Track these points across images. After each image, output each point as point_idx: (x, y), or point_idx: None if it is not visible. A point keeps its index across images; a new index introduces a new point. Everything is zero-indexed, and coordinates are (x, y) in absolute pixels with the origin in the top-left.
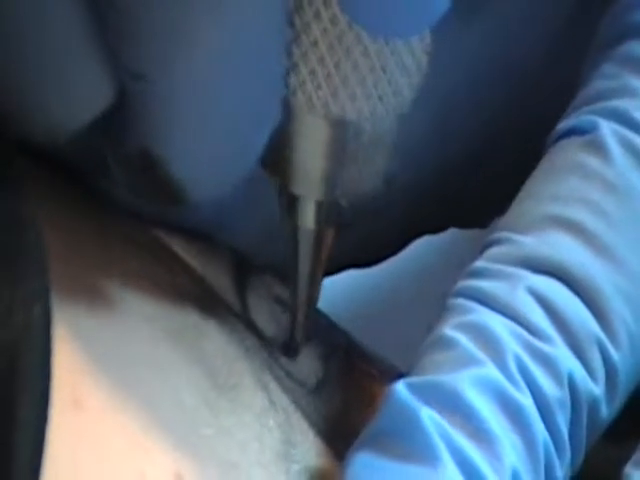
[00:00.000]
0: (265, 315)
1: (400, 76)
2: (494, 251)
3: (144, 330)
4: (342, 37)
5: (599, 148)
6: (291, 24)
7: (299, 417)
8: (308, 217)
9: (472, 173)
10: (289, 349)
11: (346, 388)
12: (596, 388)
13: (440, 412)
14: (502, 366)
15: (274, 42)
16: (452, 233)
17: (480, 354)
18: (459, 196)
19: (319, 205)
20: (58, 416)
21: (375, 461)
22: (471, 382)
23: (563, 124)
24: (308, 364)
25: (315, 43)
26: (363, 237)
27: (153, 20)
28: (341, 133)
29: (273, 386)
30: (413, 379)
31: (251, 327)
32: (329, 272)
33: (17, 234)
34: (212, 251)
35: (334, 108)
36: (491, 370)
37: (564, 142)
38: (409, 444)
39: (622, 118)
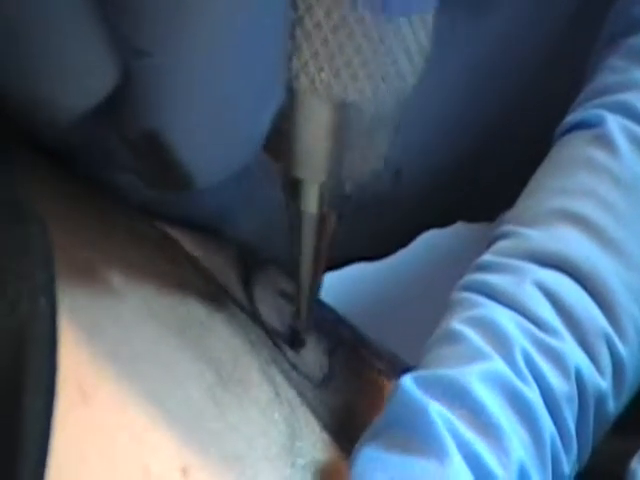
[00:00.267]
0: (270, 309)
1: (403, 58)
2: (501, 245)
3: (149, 324)
4: (345, 19)
5: (606, 142)
6: (294, 6)
7: (305, 411)
8: (311, 201)
9: (482, 168)
10: (295, 340)
11: (352, 382)
12: (603, 382)
13: (448, 406)
14: (510, 360)
15: (277, 23)
16: (458, 227)
17: (488, 348)
18: (468, 190)
19: (322, 189)
20: (64, 409)
21: (382, 455)
22: (479, 376)
23: (570, 118)
24: (314, 358)
25: (318, 25)
26: (372, 231)
27: None
28: (344, 115)
29: (279, 379)
30: (421, 373)
31: (256, 320)
32: (337, 265)
33: (22, 226)
34: (217, 245)
35: (336, 90)
36: (499, 364)
37: (571, 136)
38: (416, 438)
39: (629, 112)
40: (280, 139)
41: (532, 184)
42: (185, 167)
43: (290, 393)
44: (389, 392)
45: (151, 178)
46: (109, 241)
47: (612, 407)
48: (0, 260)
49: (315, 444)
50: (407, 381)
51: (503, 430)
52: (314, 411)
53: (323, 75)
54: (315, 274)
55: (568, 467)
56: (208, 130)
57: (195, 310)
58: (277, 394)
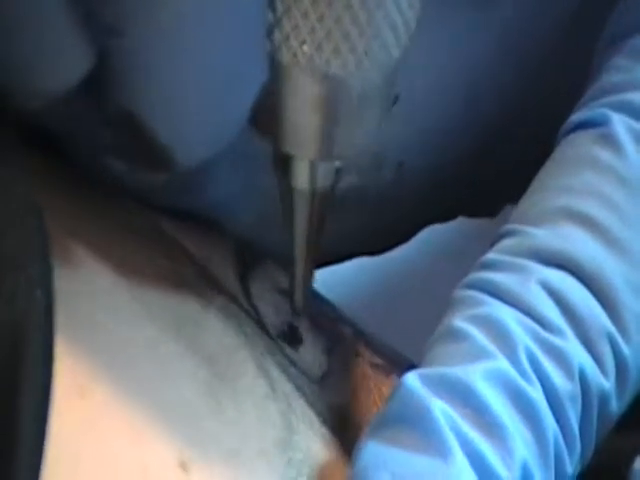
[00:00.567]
0: (268, 305)
1: (387, 32)
2: (506, 243)
3: (145, 320)
4: None
5: (612, 142)
6: None
7: (303, 405)
8: (302, 177)
9: (483, 164)
10: (292, 337)
11: (352, 378)
12: (606, 382)
13: (451, 404)
14: (513, 359)
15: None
16: (459, 221)
17: (492, 347)
18: (469, 186)
19: (312, 165)
20: (61, 406)
21: (385, 451)
22: (483, 375)
23: (575, 116)
24: (312, 355)
25: None
26: (373, 225)
27: None
28: (328, 89)
29: (275, 374)
30: (425, 370)
31: (253, 315)
32: (338, 260)
33: (19, 218)
34: (214, 240)
35: (318, 63)
36: (502, 363)
37: (576, 135)
38: (420, 435)
39: (635, 111)
40: (267, 114)
41: (536, 182)
42: (165, 146)
43: (287, 387)
44: (388, 389)
45: (133, 159)
46: (106, 237)
47: (615, 406)
48: None
49: (313, 438)
50: (411, 378)
51: (506, 429)
52: (312, 405)
53: (305, 48)
54: (309, 252)
55: (571, 466)
56: (187, 108)
57: (191, 306)
58: (273, 389)
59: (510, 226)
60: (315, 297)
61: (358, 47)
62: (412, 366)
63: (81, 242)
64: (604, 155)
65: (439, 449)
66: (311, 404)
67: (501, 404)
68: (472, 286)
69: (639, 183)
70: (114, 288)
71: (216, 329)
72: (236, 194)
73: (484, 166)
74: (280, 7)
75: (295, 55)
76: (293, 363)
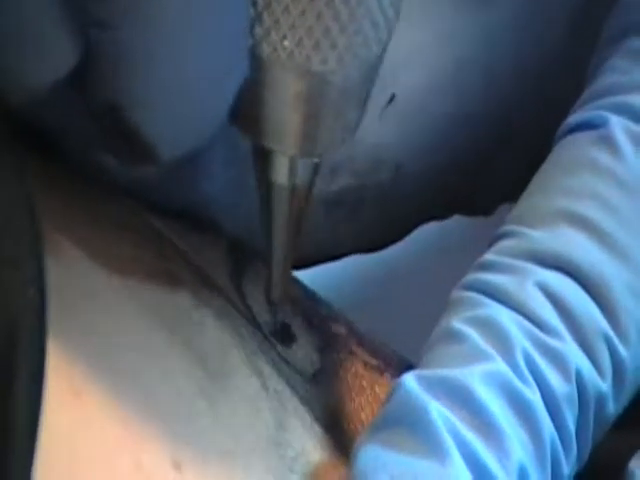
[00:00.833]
0: (260, 303)
1: (368, 28)
2: (504, 244)
3: (138, 318)
4: None
5: (610, 144)
6: None
7: (296, 403)
8: (281, 173)
9: (481, 162)
10: (285, 335)
11: (345, 377)
12: (603, 384)
13: (449, 406)
14: (511, 361)
15: None
16: (455, 220)
17: (489, 349)
18: (467, 185)
19: (292, 160)
20: (55, 405)
21: (383, 454)
22: (480, 377)
23: (573, 118)
24: (305, 354)
25: None
26: (370, 224)
27: None
28: (308, 85)
29: (267, 372)
30: (422, 372)
31: (246, 314)
32: (334, 257)
33: (12, 217)
34: (207, 239)
35: (299, 58)
36: (500, 365)
37: (574, 137)
38: (417, 438)
39: (633, 113)
40: (247, 109)
41: (534, 184)
42: (147, 139)
43: (280, 386)
44: (382, 388)
45: (118, 153)
46: (99, 235)
47: (612, 408)
48: None
49: (305, 436)
50: (409, 380)
51: (503, 431)
52: (306, 404)
53: (286, 43)
54: (287, 248)
55: (568, 468)
56: (169, 102)
57: (184, 305)
58: (265, 387)
59: (508, 227)
60: (309, 295)
61: (339, 43)
62: (409, 366)
63: (74, 240)
64: (602, 157)
65: (437, 451)
66: (304, 402)
67: (498, 406)
68: (470, 287)
69: (637, 185)
70: (107, 287)
71: (209, 328)
72: (230, 191)
73: (480, 165)
74: (261, 1)
75: (276, 50)
76: (286, 362)
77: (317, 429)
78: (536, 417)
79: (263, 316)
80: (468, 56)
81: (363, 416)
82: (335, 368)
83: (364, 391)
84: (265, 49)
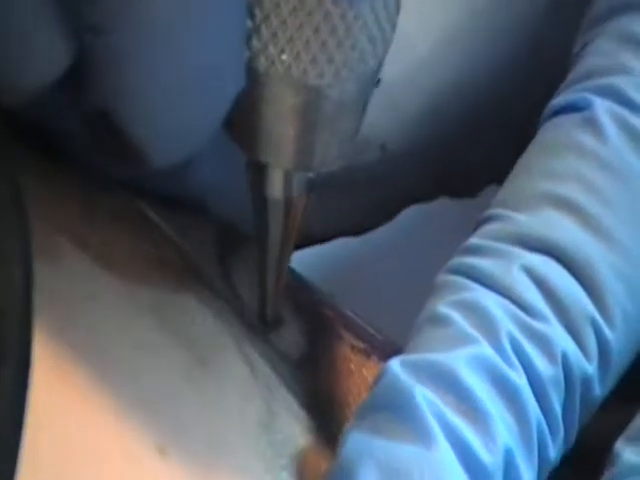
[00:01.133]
0: (249, 289)
1: (365, 43)
2: (489, 228)
3: (126, 304)
4: (304, 0)
5: (594, 126)
6: None
7: (282, 389)
8: (276, 186)
9: (467, 145)
10: (272, 320)
11: (333, 360)
12: (590, 367)
13: (434, 391)
14: (496, 345)
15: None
16: (440, 202)
17: (474, 333)
18: (453, 166)
19: (287, 174)
20: (42, 392)
21: (369, 439)
22: (465, 361)
23: (557, 100)
24: (292, 338)
25: (277, 5)
26: (356, 206)
27: None
28: (305, 99)
29: (255, 358)
30: (407, 357)
31: (234, 300)
32: (320, 241)
33: None
34: (195, 225)
35: (296, 72)
36: (485, 349)
37: (559, 119)
38: (403, 423)
39: (617, 96)
40: (243, 122)
41: (519, 167)
42: (140, 146)
43: (266, 372)
44: (369, 370)
45: (109, 155)
46: (87, 220)
47: (598, 391)
48: None
49: (292, 421)
50: (394, 365)
51: (489, 415)
52: (292, 390)
53: (284, 57)
54: (281, 261)
55: (554, 451)
56: (160, 109)
57: (172, 290)
58: (253, 373)
59: (493, 211)
60: (297, 279)
61: (336, 58)
62: (396, 350)
63: (61, 224)
64: (586, 140)
65: (422, 436)
66: (291, 387)
67: (484, 390)
68: (455, 271)
69: (621, 168)
70: (95, 272)
71: (197, 313)
72: (221, 176)
73: (466, 147)
74: (259, 14)
75: (273, 63)
76: (273, 346)
77: (303, 415)
78: (522, 400)
79: (250, 301)
80: (453, 36)
81: (351, 400)
82: (323, 352)
83: (352, 375)
84: (262, 62)
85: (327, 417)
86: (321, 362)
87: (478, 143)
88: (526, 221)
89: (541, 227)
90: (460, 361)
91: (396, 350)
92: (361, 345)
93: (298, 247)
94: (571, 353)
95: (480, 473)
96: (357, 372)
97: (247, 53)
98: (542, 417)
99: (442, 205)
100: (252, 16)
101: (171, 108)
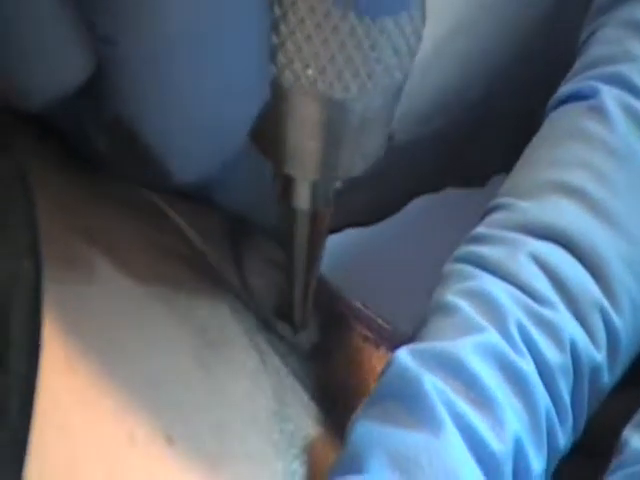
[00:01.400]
0: (259, 277)
1: (390, 55)
2: (495, 217)
3: (134, 291)
4: (329, 15)
5: (600, 114)
6: (279, 2)
7: (292, 380)
8: (303, 198)
9: (474, 134)
10: (282, 310)
11: (342, 351)
12: (598, 354)
13: (443, 379)
14: (504, 332)
15: (256, 15)
16: (448, 192)
17: (482, 321)
18: (460, 156)
19: (313, 186)
20: (50, 377)
21: (377, 428)
22: (473, 349)
23: (564, 89)
24: (303, 330)
25: (302, 21)
26: (366, 197)
27: None
28: (330, 113)
29: (265, 348)
30: (416, 346)
31: (244, 289)
32: (330, 231)
33: (4, 187)
34: (205, 212)
35: (322, 87)
36: (493, 336)
37: (565, 107)
38: (412, 411)
39: (624, 83)
40: (269, 136)
41: (526, 156)
42: (161, 162)
43: (276, 361)
44: (378, 360)
45: (128, 168)
46: (95, 209)
47: (607, 378)
48: None
49: (303, 411)
50: (402, 354)
51: (498, 402)
52: (301, 381)
53: (309, 72)
54: (309, 269)
55: (563, 438)
56: (182, 123)
57: (182, 278)
58: (263, 360)
59: (500, 199)
60: None
61: (361, 71)
62: (405, 339)
63: (71, 213)
64: (593, 127)
65: (431, 424)
66: (301, 378)
67: (492, 377)
68: (462, 260)
69: (628, 155)
70: (104, 260)
71: (207, 302)
72: (227, 170)
73: (473, 137)
74: (284, 30)
75: (299, 78)
76: (282, 338)
77: (312, 406)
78: (530, 388)
79: (261, 290)
80: (462, 27)
81: (360, 390)
82: (333, 342)
83: (362, 365)
84: (288, 77)
85: (336, 408)
86: (331, 353)
87: (486, 133)
88: (533, 209)
89: (548, 214)
90: (468, 349)
91: (405, 340)
92: (370, 335)
93: None
94: (579, 340)
95: (489, 460)
96: (367, 362)
97: (273, 68)
98: (551, 405)
99: (449, 195)
100: (277, 32)
101: (191, 121)
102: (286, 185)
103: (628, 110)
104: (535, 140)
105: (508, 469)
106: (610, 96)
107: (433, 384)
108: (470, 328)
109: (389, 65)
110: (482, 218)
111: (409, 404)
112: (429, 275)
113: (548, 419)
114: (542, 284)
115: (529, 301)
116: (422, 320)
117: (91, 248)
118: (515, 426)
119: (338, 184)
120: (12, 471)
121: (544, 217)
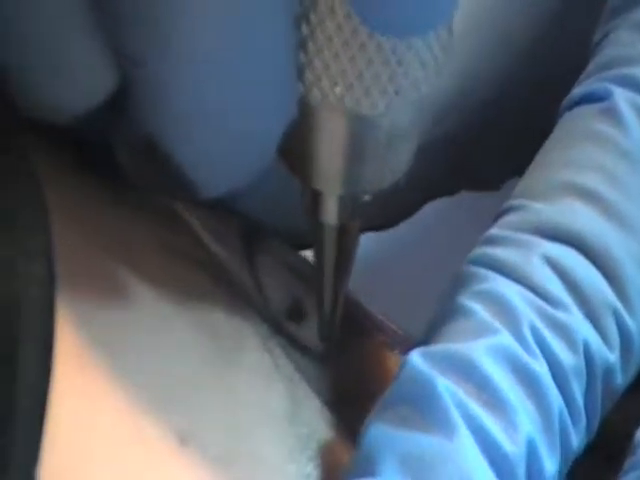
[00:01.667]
0: (273, 281)
1: (417, 70)
2: (509, 219)
3: (147, 293)
4: (356, 33)
5: (614, 116)
6: (307, 20)
7: (305, 384)
8: (331, 213)
9: (487, 137)
10: (296, 313)
11: (356, 356)
12: (611, 356)
13: (456, 381)
14: (517, 334)
15: (285, 33)
16: (462, 195)
17: (495, 323)
18: (471, 158)
19: (341, 201)
20: (61, 379)
21: (390, 431)
22: (486, 351)
23: (577, 91)
24: (315, 332)
25: (330, 39)
26: (377, 202)
27: (149, 3)
28: (357, 129)
29: (278, 352)
30: (428, 348)
31: (258, 293)
32: None
33: (14, 188)
34: (220, 216)
35: (349, 104)
36: (506, 338)
37: (578, 110)
38: (425, 414)
39: (637, 86)
40: (297, 152)
41: (539, 157)
42: (188, 178)
43: (289, 364)
44: (391, 363)
45: (154, 185)
46: (111, 212)
47: (620, 380)
48: None
49: (316, 414)
50: (415, 356)
51: (511, 404)
52: (313, 385)
53: (337, 89)
54: (337, 283)
55: (577, 440)
56: (209, 141)
57: (196, 281)
58: (277, 365)
59: (513, 201)
60: None
61: (389, 88)
62: (417, 343)
63: (85, 215)
64: (606, 129)
65: (444, 427)
66: (313, 382)
67: (505, 379)
68: (475, 262)
69: None
70: (119, 263)
71: (221, 304)
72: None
73: (486, 140)
74: (312, 48)
75: (326, 96)
76: (294, 342)
77: (325, 410)
78: (544, 390)
79: (275, 292)
80: (470, 27)
81: (374, 393)
82: (344, 347)
83: (375, 368)
84: (316, 95)
85: (349, 412)
86: (344, 356)
87: (499, 136)
88: (546, 211)
89: (561, 216)
90: (480, 351)
91: (417, 343)
92: (383, 339)
93: None
94: (592, 342)
95: (503, 463)
96: (379, 366)
97: (300, 86)
98: (564, 406)
99: (463, 198)
100: (305, 50)
101: (218, 140)
102: (314, 200)
103: None
104: (548, 142)
105: (521, 471)
106: (623, 98)
107: (446, 387)
108: (483, 330)
109: (416, 79)
110: (496, 220)
111: (422, 407)
112: (444, 279)
113: (561, 421)
114: (555, 286)
115: (542, 303)
116: (435, 322)
117: (107, 250)
118: (528, 428)
119: (366, 198)
120: (24, 470)
121: (557, 219)
